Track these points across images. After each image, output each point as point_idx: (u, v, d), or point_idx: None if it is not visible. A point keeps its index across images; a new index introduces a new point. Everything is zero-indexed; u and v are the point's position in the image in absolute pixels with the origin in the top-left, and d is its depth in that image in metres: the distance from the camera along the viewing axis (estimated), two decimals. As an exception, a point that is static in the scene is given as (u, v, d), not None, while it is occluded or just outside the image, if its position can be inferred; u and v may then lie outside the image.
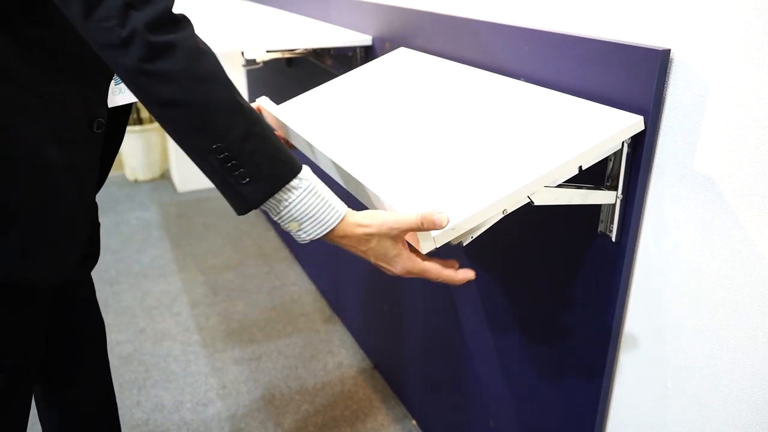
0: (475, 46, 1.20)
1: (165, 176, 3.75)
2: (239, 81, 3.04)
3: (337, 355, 2.09)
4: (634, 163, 0.90)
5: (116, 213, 3.21)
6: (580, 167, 0.84)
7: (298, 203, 0.75)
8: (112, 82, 0.94)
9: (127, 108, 1.02)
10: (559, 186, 0.85)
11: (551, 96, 0.99)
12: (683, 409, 0.92)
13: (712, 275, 0.84)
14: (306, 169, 0.77)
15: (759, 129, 0.75)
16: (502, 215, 0.81)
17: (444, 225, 0.76)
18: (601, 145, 0.84)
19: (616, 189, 0.92)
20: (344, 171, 0.91)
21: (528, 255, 1.16)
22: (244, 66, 2.75)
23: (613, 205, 0.93)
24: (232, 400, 1.88)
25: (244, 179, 0.73)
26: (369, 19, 1.63)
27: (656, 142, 0.88)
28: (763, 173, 0.75)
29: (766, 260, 0.77)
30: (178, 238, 2.94)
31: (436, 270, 0.79)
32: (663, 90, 0.85)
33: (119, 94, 0.97)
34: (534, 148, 0.87)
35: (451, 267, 0.82)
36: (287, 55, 1.84)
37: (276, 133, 1.08)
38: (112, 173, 3.30)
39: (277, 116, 1.10)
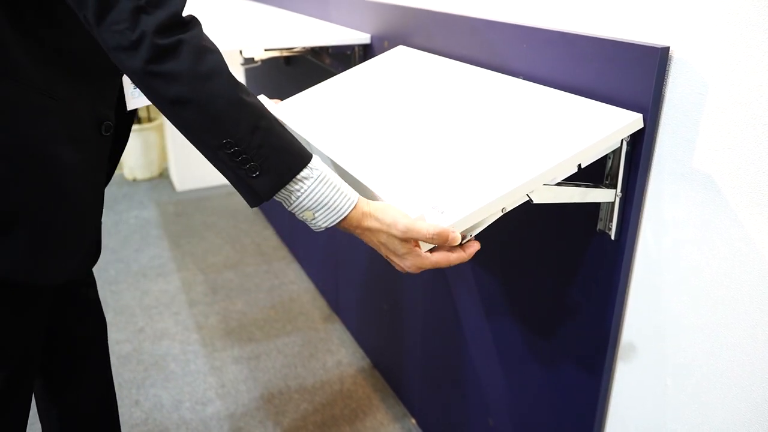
0: (474, 44, 1.20)
1: (163, 175, 3.75)
2: (238, 80, 3.03)
3: (336, 354, 2.09)
4: (633, 160, 0.90)
5: (115, 212, 3.20)
6: (579, 165, 0.84)
7: (310, 193, 0.76)
8: (131, 85, 0.97)
9: (131, 112, 1.03)
10: (558, 184, 0.85)
11: (550, 94, 0.99)
12: (683, 406, 0.92)
13: (712, 273, 0.84)
14: (316, 159, 0.78)
15: (758, 126, 0.75)
16: (501, 213, 0.81)
17: (455, 243, 0.77)
18: (600, 143, 0.84)
19: (615, 187, 0.92)
20: (343, 169, 0.91)
21: (527, 253, 1.15)
22: (242, 65, 2.75)
23: (613, 203, 0.93)
24: (231, 399, 1.88)
25: (254, 172, 0.74)
26: (367, 17, 1.63)
27: (655, 140, 0.88)
28: (762, 171, 0.75)
29: (766, 258, 0.77)
30: (176, 237, 2.94)
31: (445, 259, 0.79)
32: (662, 88, 0.85)
33: (137, 97, 1.01)
34: (533, 146, 0.86)
35: (457, 249, 0.82)
36: (285, 54, 1.84)
37: None
38: (111, 172, 3.29)
39: (276, 115, 1.10)
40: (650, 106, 0.85)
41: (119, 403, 1.78)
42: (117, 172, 3.70)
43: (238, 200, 3.35)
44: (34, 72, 0.81)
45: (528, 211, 1.12)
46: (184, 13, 0.73)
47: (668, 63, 0.84)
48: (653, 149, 0.89)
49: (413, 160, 0.94)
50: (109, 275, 2.56)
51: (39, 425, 1.24)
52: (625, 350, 1.00)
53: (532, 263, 1.15)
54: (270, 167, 0.75)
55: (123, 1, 0.69)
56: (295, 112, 1.23)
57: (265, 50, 1.71)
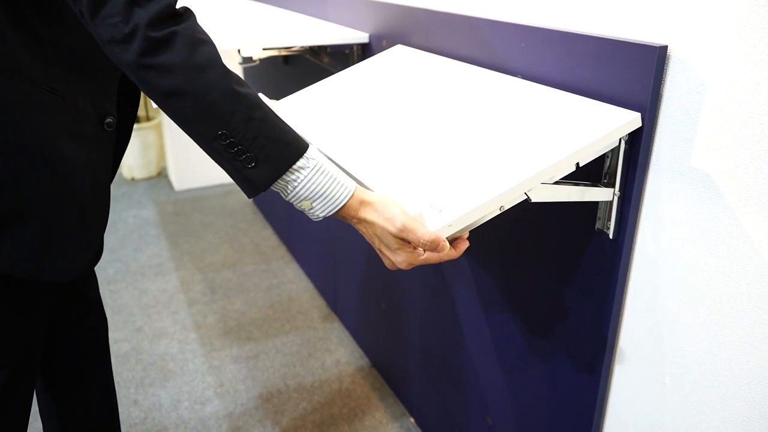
0: (472, 43, 1.20)
1: (162, 174, 3.74)
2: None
3: (334, 353, 2.09)
4: (632, 160, 0.90)
5: (113, 211, 3.20)
6: (578, 164, 0.84)
7: (307, 183, 0.76)
8: None
9: (134, 107, 1.03)
10: (556, 183, 0.85)
11: (548, 93, 0.99)
12: (681, 405, 0.93)
13: (710, 272, 0.84)
14: (313, 149, 0.78)
15: (756, 125, 0.75)
16: (499, 212, 0.81)
17: (444, 252, 0.78)
18: (598, 142, 0.84)
19: (613, 186, 0.92)
20: (341, 166, 0.91)
21: (526, 253, 1.16)
22: (240, 64, 2.74)
23: (611, 203, 0.93)
24: (230, 398, 1.88)
25: (251, 163, 0.74)
26: (366, 16, 1.63)
27: (653, 139, 0.88)
28: (760, 169, 0.75)
29: (764, 257, 0.77)
30: (175, 236, 2.93)
31: (436, 257, 0.79)
32: (660, 86, 0.85)
33: None
34: (531, 144, 0.86)
35: (446, 247, 0.82)
36: (284, 53, 1.84)
37: None
38: (109, 171, 3.28)
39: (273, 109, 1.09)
40: (648, 105, 0.85)
41: (118, 402, 1.79)
42: (115, 171, 3.71)
43: (237, 200, 3.35)
44: (35, 69, 0.82)
45: (526, 211, 1.12)
46: (178, 5, 0.73)
47: (666, 62, 0.84)
48: (651, 148, 0.89)
49: (411, 157, 0.94)
50: (107, 274, 2.56)
51: (39, 424, 1.24)
52: (624, 349, 1.00)
53: (531, 262, 1.15)
54: (266, 157, 0.75)
55: None
56: (292, 110, 1.23)
57: (264, 49, 1.70)
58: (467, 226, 0.80)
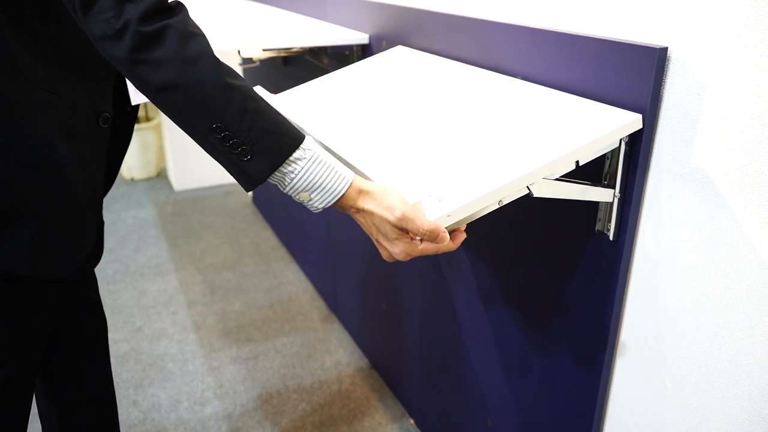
0: (472, 45, 1.20)
1: (161, 175, 3.74)
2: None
3: (334, 354, 2.08)
4: (632, 161, 0.90)
5: (113, 212, 3.20)
6: (577, 162, 0.83)
7: (304, 174, 0.76)
8: None
9: (135, 106, 1.03)
10: (557, 180, 0.85)
11: (548, 93, 0.98)
12: (681, 406, 0.92)
13: (710, 273, 0.84)
14: (309, 139, 0.77)
15: (756, 127, 0.75)
16: (498, 206, 0.80)
17: (444, 243, 0.77)
18: (598, 141, 0.83)
19: (613, 187, 0.92)
20: (339, 156, 0.90)
21: (526, 254, 1.15)
22: (240, 65, 2.75)
23: (611, 204, 0.93)
24: (230, 399, 1.88)
25: (246, 156, 0.74)
26: (366, 17, 1.63)
27: (654, 140, 0.88)
28: (760, 171, 0.75)
29: (764, 258, 0.77)
30: (174, 236, 2.93)
31: (433, 247, 0.78)
32: (660, 88, 0.85)
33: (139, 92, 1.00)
34: (531, 142, 0.86)
35: (446, 238, 0.81)
36: (284, 54, 1.83)
37: None
38: (109, 172, 3.29)
39: (271, 103, 1.09)
40: (648, 107, 0.85)
41: (117, 403, 1.78)
42: (115, 171, 3.71)
43: (237, 200, 3.35)
44: (34, 68, 0.82)
45: (527, 213, 1.12)
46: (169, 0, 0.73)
47: (666, 63, 0.84)
48: (651, 149, 0.89)
49: (411, 150, 0.93)
50: (106, 275, 2.56)
51: (38, 425, 1.24)
52: (624, 350, 1.00)
53: (532, 264, 1.15)
54: (262, 150, 0.74)
55: None
56: (291, 103, 1.22)
57: (264, 50, 1.70)
58: (466, 218, 0.79)
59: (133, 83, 0.74)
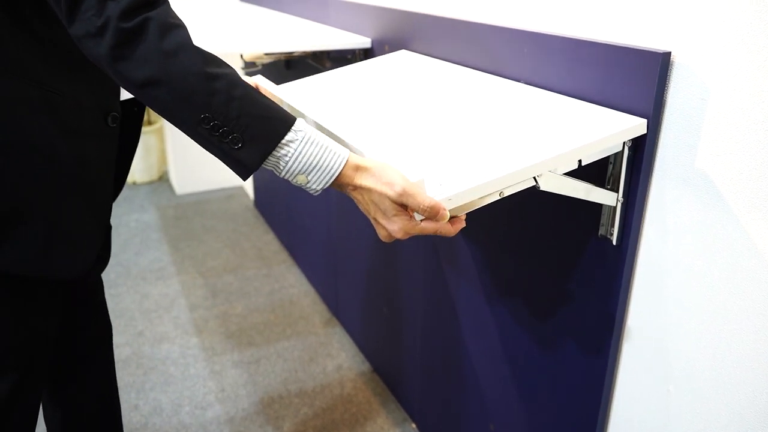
0: (475, 49, 1.20)
1: (163, 178, 3.75)
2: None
3: (336, 358, 2.08)
4: (635, 165, 0.90)
5: (114, 215, 3.20)
6: (580, 162, 0.83)
7: (298, 156, 0.74)
8: None
9: (141, 106, 1.04)
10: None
11: (551, 97, 0.98)
12: (685, 413, 0.92)
13: (714, 279, 0.84)
14: (300, 121, 0.76)
15: (760, 132, 0.75)
16: (499, 197, 0.79)
17: (444, 220, 0.75)
18: (601, 142, 0.83)
19: (617, 192, 0.91)
20: (338, 138, 0.88)
21: (529, 259, 1.15)
22: (242, 68, 2.75)
23: (614, 208, 0.93)
24: (231, 403, 1.88)
25: (237, 144, 0.73)
26: (368, 21, 1.63)
27: (657, 145, 0.88)
28: (764, 176, 0.75)
29: (768, 264, 0.77)
30: (176, 240, 2.93)
31: (433, 226, 0.76)
32: (664, 93, 0.85)
33: None
34: (533, 139, 0.86)
35: (446, 215, 0.79)
36: (286, 58, 1.84)
37: None
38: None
39: (274, 92, 1.09)
40: (652, 111, 0.85)
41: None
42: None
43: (239, 204, 3.35)
44: (36, 69, 0.82)
45: (530, 217, 1.12)
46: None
47: (670, 68, 0.84)
48: (655, 154, 0.88)
49: (413, 139, 0.92)
50: (108, 278, 2.56)
51: (42, 428, 1.24)
52: (628, 356, 1.00)
53: (535, 269, 1.14)
54: (252, 136, 0.73)
55: None
56: (294, 92, 1.21)
57: (266, 54, 1.71)
58: (465, 205, 0.78)
59: (116, 80, 0.73)
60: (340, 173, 0.76)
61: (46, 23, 0.83)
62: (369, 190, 0.76)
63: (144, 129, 3.57)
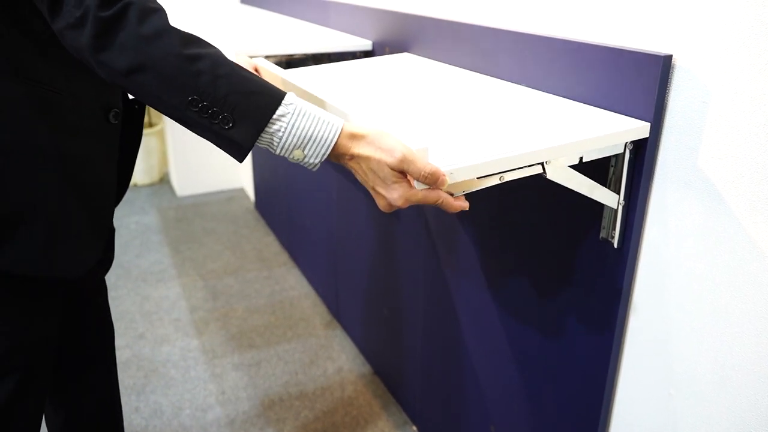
0: (476, 52, 1.20)
1: (164, 180, 3.75)
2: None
3: (336, 361, 2.08)
4: (636, 168, 0.89)
5: (115, 217, 3.17)
6: (581, 158, 0.83)
7: (291, 129, 0.73)
8: None
9: (141, 106, 1.04)
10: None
11: (553, 100, 0.98)
12: (687, 417, 0.92)
13: (716, 281, 0.84)
14: (290, 94, 0.74)
15: (761, 135, 0.75)
16: (499, 181, 0.79)
17: (444, 186, 0.74)
18: (602, 139, 0.83)
19: (618, 194, 0.91)
20: (340, 111, 0.87)
21: (530, 262, 1.15)
22: (243, 70, 2.75)
23: (615, 211, 0.93)
24: (232, 405, 1.88)
25: (228, 123, 0.71)
26: (369, 24, 1.63)
27: (658, 147, 0.88)
28: (765, 178, 0.75)
29: (770, 267, 0.77)
30: (177, 242, 2.93)
31: (434, 195, 0.74)
32: (665, 95, 0.85)
33: None
34: (535, 132, 0.86)
35: (446, 181, 0.77)
36: (286, 60, 1.84)
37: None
38: (111, 178, 3.29)
39: (276, 72, 1.08)
40: (653, 114, 0.85)
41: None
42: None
43: (239, 206, 3.35)
44: (35, 68, 0.82)
45: (530, 219, 1.12)
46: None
47: (671, 71, 0.84)
48: (656, 157, 0.88)
49: (418, 124, 0.92)
50: (109, 280, 2.55)
51: (43, 428, 1.24)
52: (628, 359, 1.00)
53: (535, 272, 1.14)
54: (243, 114, 0.71)
55: None
56: (294, 76, 1.22)
57: (266, 56, 1.71)
58: (466, 183, 0.77)
59: (101, 73, 0.73)
60: (336, 143, 0.74)
61: (45, 22, 0.83)
62: (367, 159, 0.74)
63: (145, 131, 3.57)
